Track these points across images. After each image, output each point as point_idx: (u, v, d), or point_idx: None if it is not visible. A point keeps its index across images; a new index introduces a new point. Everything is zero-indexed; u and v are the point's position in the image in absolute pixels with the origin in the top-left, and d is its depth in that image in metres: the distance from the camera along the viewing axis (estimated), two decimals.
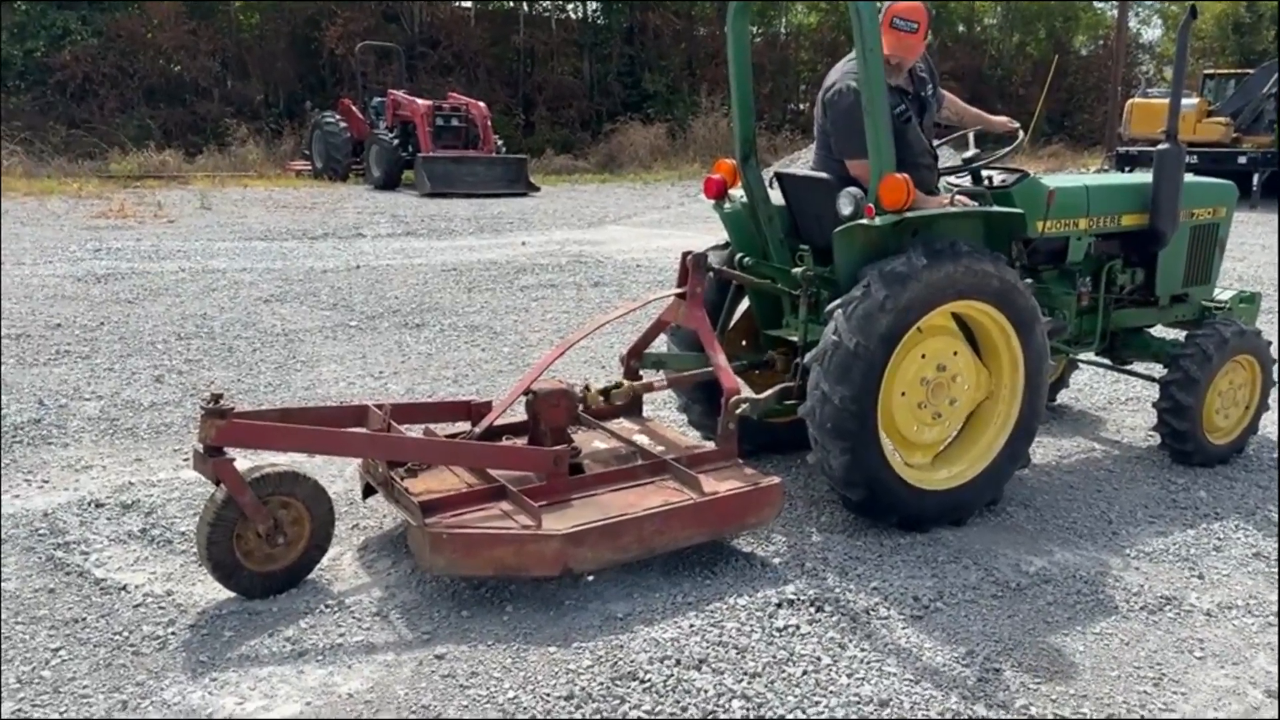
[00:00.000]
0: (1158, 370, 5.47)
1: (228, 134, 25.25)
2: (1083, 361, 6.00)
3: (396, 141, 20.40)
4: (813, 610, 3.66)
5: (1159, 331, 5.77)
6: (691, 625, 3.53)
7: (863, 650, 3.41)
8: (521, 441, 4.23)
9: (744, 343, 5.15)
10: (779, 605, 3.67)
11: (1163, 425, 5.28)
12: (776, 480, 3.99)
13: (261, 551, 3.67)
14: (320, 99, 27.31)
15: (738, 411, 4.11)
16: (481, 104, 21.25)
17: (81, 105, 26.82)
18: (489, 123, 20.95)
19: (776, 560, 4.06)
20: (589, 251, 12.45)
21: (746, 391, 4.43)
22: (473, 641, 3.42)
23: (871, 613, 3.67)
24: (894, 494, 4.24)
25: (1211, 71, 25.92)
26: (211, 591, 3.72)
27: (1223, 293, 5.83)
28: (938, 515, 4.40)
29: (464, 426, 4.36)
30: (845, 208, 4.22)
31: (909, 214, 4.10)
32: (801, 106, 33.96)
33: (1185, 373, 5.12)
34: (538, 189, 20.33)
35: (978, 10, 39.96)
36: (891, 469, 4.23)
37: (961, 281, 4.18)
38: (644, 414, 4.81)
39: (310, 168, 22.67)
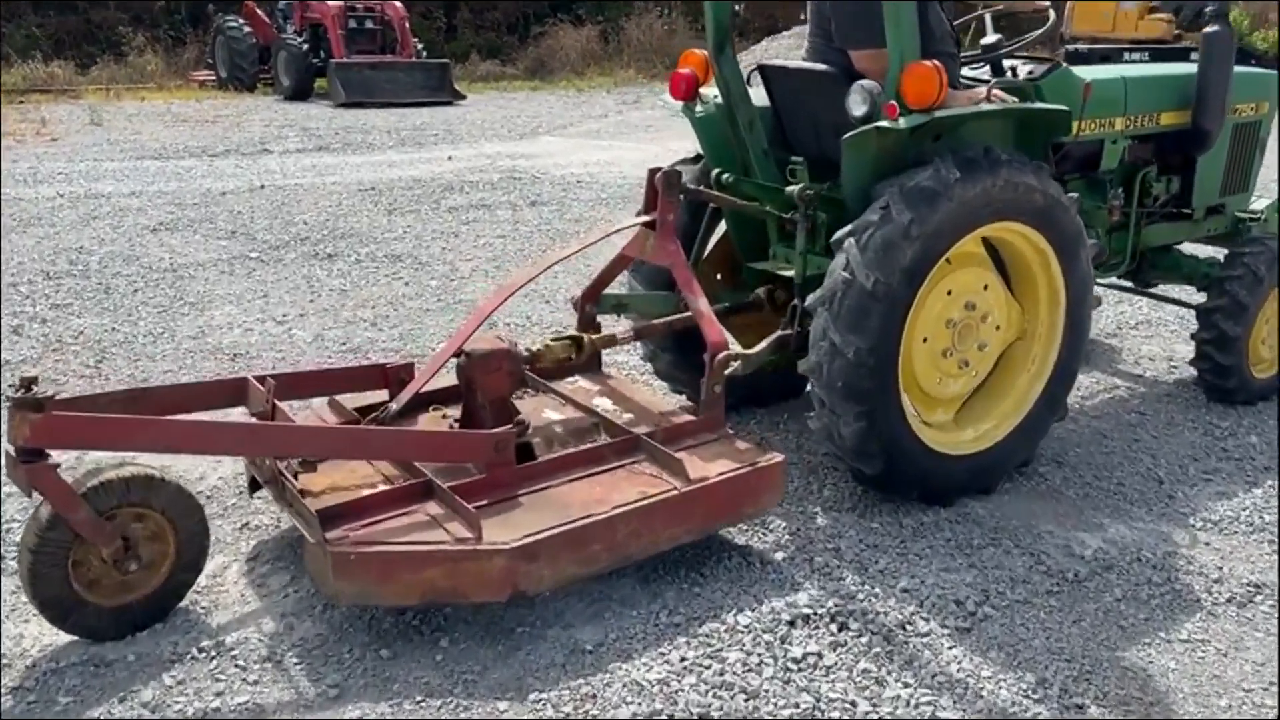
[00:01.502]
0: (1189, 294, 4.74)
1: (124, 43, 23.21)
2: (1104, 286, 5.23)
3: (306, 47, 18.78)
4: (834, 629, 2.86)
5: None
6: (683, 659, 2.72)
7: (906, 687, 2.64)
8: (454, 415, 3.34)
9: (719, 277, 4.27)
10: (791, 623, 2.87)
11: (1203, 360, 4.55)
12: (778, 458, 3.16)
13: (111, 580, 2.77)
14: (224, 3, 25.26)
15: (727, 372, 3.25)
16: (398, 3, 19.64)
17: None
18: (407, 25, 19.40)
19: (779, 555, 3.25)
20: (523, 166, 11.38)
21: (734, 346, 3.56)
22: (396, 696, 2.58)
23: (908, 628, 2.89)
24: (916, 463, 3.46)
25: None
26: (46, 634, 2.81)
27: (1256, 201, 5.08)
28: (964, 484, 3.64)
29: (382, 396, 3.45)
30: (858, 106, 3.33)
31: (940, 113, 3.23)
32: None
33: (1233, 298, 4.38)
34: (463, 97, 18.95)
35: None
36: (914, 434, 3.44)
37: (999, 198, 3.36)
38: (603, 367, 3.93)
39: (214, 78, 20.94)
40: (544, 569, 2.75)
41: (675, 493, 2.97)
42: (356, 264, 7.00)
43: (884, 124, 3.24)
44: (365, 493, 2.91)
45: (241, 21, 20.21)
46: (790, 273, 3.73)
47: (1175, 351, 5.34)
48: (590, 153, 12.57)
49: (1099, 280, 4.90)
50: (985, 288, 3.58)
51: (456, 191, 9.71)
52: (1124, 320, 5.92)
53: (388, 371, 3.45)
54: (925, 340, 3.46)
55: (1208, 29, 4.38)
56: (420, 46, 19.74)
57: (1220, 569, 3.27)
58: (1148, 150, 4.53)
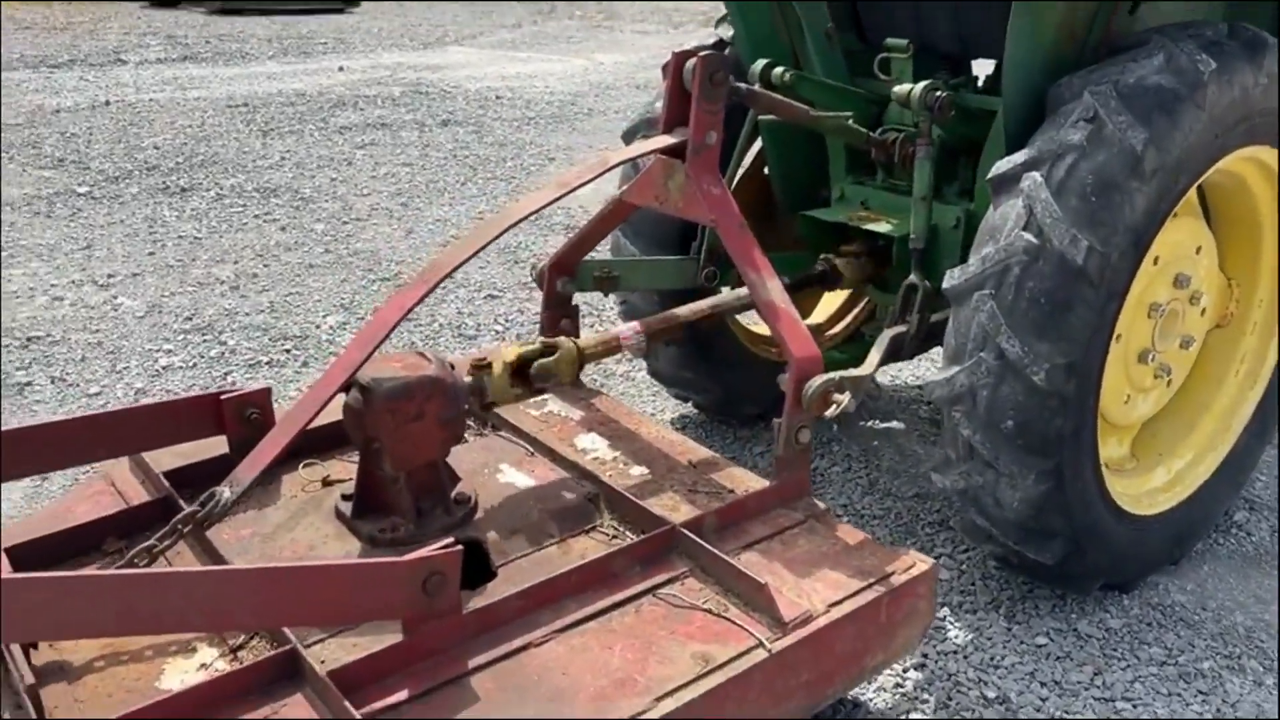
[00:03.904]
0: None
1: None
2: None
3: None
4: None
5: None
6: None
7: None
8: (342, 478, 1.91)
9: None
10: None
11: None
12: (924, 565, 1.80)
13: None
14: None
15: (830, 413, 1.85)
16: None
17: None
18: None
19: None
20: (429, 79, 9.68)
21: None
22: None
23: None
24: (1107, 539, 2.15)
25: None
26: None
27: None
28: (1156, 557, 2.35)
29: (216, 448, 1.99)
30: None
31: None
32: None
33: None
34: (356, 3, 16.89)
35: None
36: (1107, 492, 2.13)
37: (1259, 107, 2.04)
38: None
39: None
40: None
41: (761, 652, 1.60)
42: (218, 201, 5.37)
43: None
44: (165, 682, 1.47)
45: None
46: (885, 228, 2.35)
47: None
48: (506, 65, 10.89)
49: None
50: (1198, 251, 2.26)
51: (350, 108, 8.01)
52: None
53: (224, 407, 1.98)
54: (1118, 338, 2.13)
55: None
56: None
57: None
58: None
